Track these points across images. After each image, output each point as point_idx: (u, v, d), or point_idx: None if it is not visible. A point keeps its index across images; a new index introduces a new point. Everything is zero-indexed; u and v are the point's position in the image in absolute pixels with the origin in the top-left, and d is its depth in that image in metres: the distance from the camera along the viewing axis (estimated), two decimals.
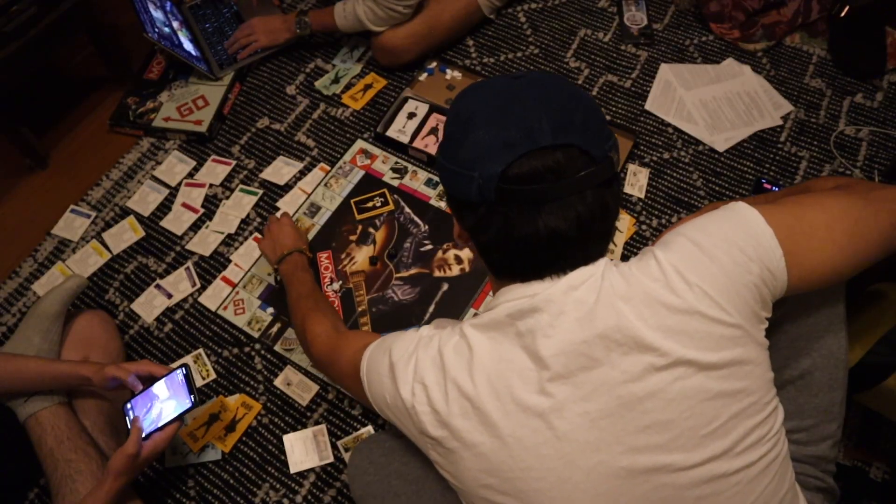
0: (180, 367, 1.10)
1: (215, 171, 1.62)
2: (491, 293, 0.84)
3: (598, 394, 0.70)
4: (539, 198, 0.69)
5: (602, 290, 0.71)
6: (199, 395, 1.33)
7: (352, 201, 1.54)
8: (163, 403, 1.08)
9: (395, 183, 1.56)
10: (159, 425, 1.06)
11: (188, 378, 1.08)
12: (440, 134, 1.60)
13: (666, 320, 0.69)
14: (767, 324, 0.76)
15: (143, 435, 1.06)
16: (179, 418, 1.06)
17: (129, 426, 1.09)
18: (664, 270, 0.71)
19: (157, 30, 1.71)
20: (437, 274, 1.43)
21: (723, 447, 0.71)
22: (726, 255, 0.72)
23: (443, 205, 1.52)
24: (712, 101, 1.64)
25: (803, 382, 0.87)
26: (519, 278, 0.75)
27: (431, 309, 1.39)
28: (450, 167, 0.74)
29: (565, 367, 0.71)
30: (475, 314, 0.81)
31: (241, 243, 1.51)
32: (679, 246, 0.74)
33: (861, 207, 0.78)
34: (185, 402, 1.07)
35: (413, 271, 1.44)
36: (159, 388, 1.10)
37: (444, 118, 1.63)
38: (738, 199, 0.84)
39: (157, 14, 1.72)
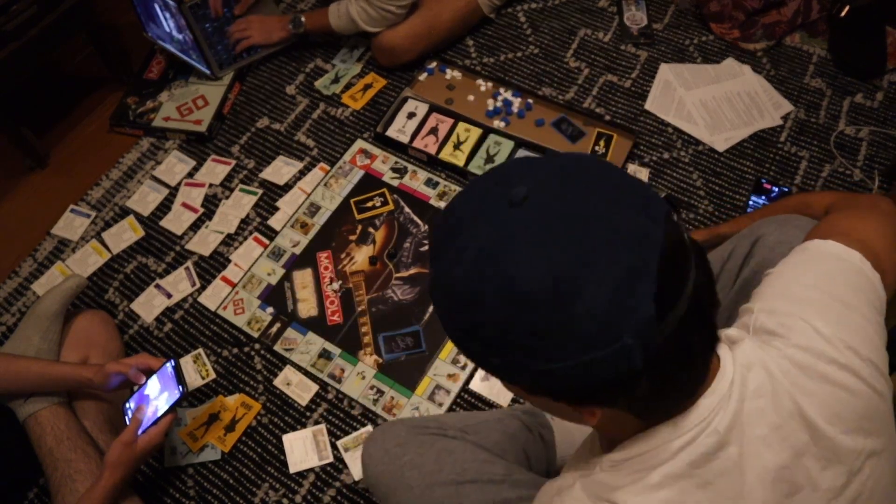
0: (169, 360, 1.11)
1: (215, 170, 1.62)
2: (604, 437, 0.65)
3: None
4: (696, 317, 0.52)
5: (776, 391, 0.58)
6: (199, 395, 1.33)
7: (351, 201, 1.54)
8: (157, 398, 1.10)
9: (395, 183, 1.56)
10: (155, 419, 1.07)
11: (177, 370, 1.10)
12: (437, 134, 1.60)
13: (852, 412, 0.60)
14: None
15: (141, 430, 1.07)
16: (172, 410, 1.07)
17: (129, 424, 1.10)
18: (836, 346, 0.61)
19: (163, 31, 1.71)
20: None
21: None
22: (873, 318, 0.65)
23: (442, 204, 1.52)
24: (712, 100, 1.64)
25: None
26: (674, 412, 0.57)
27: (431, 309, 1.39)
28: (572, 362, 0.49)
29: None
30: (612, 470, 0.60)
31: (241, 243, 1.51)
32: (830, 309, 0.64)
33: (887, 226, 0.77)
34: (175, 393, 1.08)
35: (413, 271, 1.44)
36: (152, 383, 1.12)
37: (443, 118, 1.62)
38: (812, 236, 0.75)
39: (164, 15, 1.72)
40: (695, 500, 0.56)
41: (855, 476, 0.60)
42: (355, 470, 1.23)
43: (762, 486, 0.57)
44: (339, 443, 1.27)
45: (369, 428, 1.28)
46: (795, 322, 0.63)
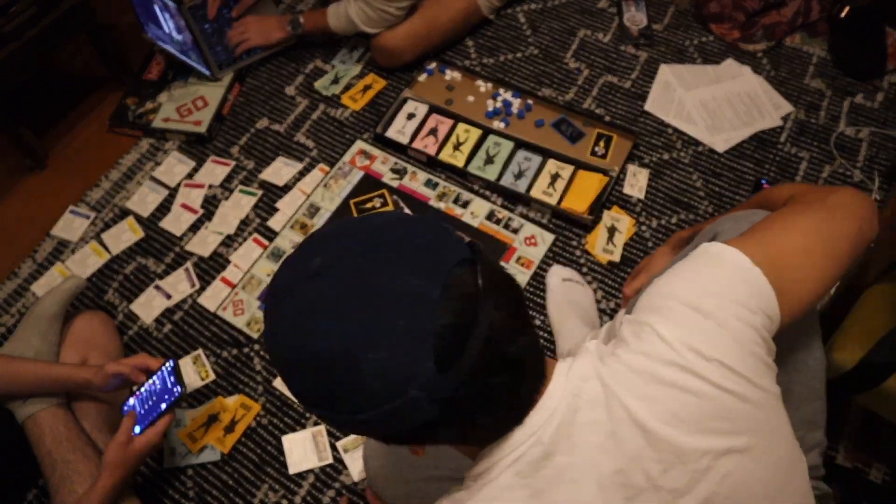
0: (168, 360, 1.11)
1: (214, 171, 1.62)
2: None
3: None
4: (494, 358, 0.56)
5: (609, 400, 0.60)
6: (199, 396, 1.33)
7: (351, 202, 1.54)
8: (155, 398, 1.10)
9: (395, 183, 1.56)
10: (153, 419, 1.07)
11: (176, 370, 1.10)
12: (437, 135, 1.60)
13: (697, 413, 0.61)
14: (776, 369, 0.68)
15: (138, 431, 1.07)
16: (170, 410, 1.07)
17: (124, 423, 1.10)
18: (676, 350, 0.61)
19: (162, 31, 1.70)
20: None
21: None
22: (733, 317, 0.64)
23: (442, 205, 1.52)
24: (712, 101, 1.64)
25: (783, 397, 0.85)
26: (505, 432, 0.61)
27: None
28: (368, 416, 0.55)
29: None
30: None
31: (241, 244, 1.51)
32: (679, 314, 0.64)
33: (829, 220, 0.74)
34: (174, 394, 1.08)
35: None
36: (151, 383, 1.12)
37: (443, 118, 1.62)
38: (710, 240, 0.75)
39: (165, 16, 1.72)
40: None
41: (704, 475, 0.61)
42: (355, 471, 1.23)
43: (602, 491, 0.60)
44: (338, 444, 1.27)
45: None
46: (643, 329, 0.64)
